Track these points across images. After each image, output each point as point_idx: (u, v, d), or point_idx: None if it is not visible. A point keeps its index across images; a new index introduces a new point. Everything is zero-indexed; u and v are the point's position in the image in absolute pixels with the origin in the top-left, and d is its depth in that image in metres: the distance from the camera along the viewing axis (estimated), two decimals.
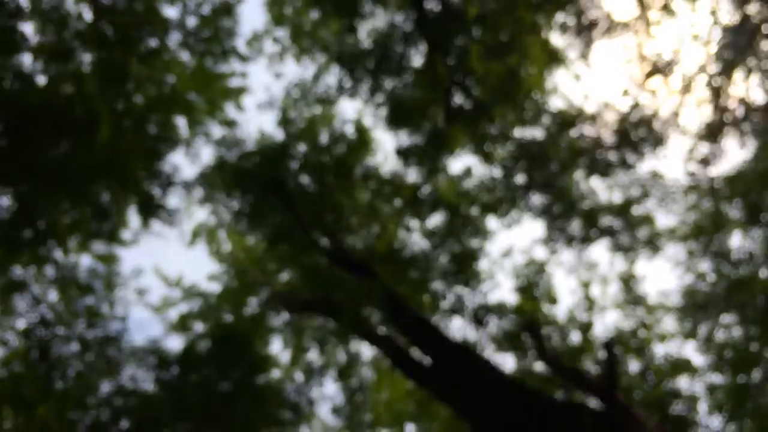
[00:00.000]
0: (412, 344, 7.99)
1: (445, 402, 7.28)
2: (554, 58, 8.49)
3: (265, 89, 9.66)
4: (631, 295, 10.56)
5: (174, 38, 9.10)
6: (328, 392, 10.05)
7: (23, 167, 5.98)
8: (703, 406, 10.20)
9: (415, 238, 9.77)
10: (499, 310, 8.76)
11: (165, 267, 11.37)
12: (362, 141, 9.93)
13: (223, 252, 11.65)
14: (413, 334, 7.91)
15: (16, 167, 5.94)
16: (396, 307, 7.97)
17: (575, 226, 9.94)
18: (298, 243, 8.21)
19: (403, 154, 9.54)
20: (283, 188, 8.51)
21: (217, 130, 9.44)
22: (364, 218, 9.32)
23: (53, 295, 8.91)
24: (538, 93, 8.60)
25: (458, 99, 8.43)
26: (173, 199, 7.96)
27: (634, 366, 10.30)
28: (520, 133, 8.95)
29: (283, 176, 8.67)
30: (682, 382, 10.21)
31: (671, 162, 15.11)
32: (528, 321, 7.45)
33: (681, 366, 10.31)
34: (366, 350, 9.83)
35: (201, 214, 11.17)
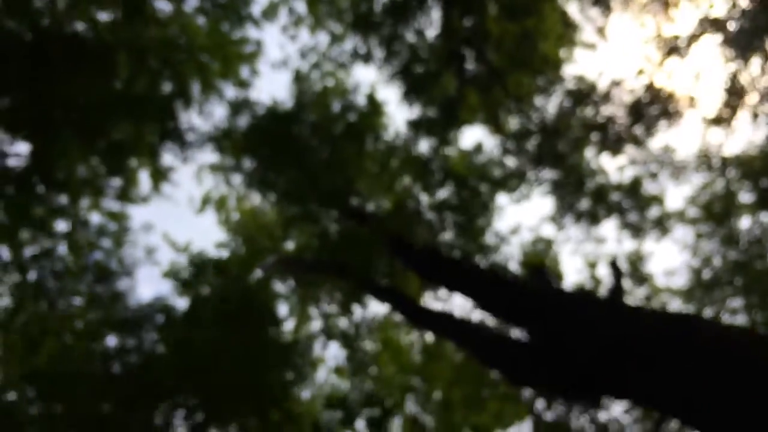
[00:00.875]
0: (424, 279, 8.01)
1: (451, 340, 7.32)
2: (570, 28, 8.46)
3: (280, 48, 9.67)
4: (637, 274, 10.53)
5: (190, 3, 9.16)
6: (333, 353, 10.11)
7: (39, 105, 6.03)
8: None
9: (423, 208, 9.77)
10: (505, 263, 8.78)
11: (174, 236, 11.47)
12: (374, 111, 9.92)
13: (231, 220, 11.75)
14: (424, 266, 7.95)
15: (32, 108, 5.99)
16: (404, 246, 8.01)
17: (584, 203, 9.92)
18: (308, 200, 8.25)
19: (415, 124, 9.53)
20: (294, 149, 8.56)
21: (230, 92, 9.50)
22: (373, 185, 9.35)
23: (63, 248, 9.02)
24: (553, 63, 8.58)
25: (472, 65, 8.42)
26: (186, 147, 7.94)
27: None
28: (533, 103, 8.94)
29: (294, 138, 8.71)
30: None
31: (684, 141, 14.97)
32: (535, 265, 7.47)
33: None
34: (369, 314, 9.89)
35: (210, 181, 11.26)
